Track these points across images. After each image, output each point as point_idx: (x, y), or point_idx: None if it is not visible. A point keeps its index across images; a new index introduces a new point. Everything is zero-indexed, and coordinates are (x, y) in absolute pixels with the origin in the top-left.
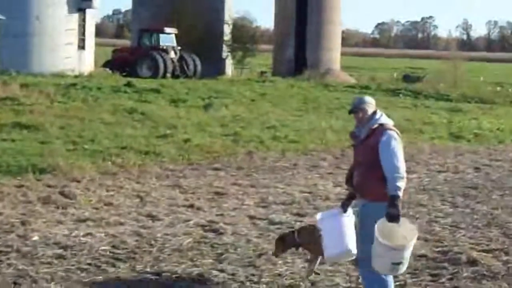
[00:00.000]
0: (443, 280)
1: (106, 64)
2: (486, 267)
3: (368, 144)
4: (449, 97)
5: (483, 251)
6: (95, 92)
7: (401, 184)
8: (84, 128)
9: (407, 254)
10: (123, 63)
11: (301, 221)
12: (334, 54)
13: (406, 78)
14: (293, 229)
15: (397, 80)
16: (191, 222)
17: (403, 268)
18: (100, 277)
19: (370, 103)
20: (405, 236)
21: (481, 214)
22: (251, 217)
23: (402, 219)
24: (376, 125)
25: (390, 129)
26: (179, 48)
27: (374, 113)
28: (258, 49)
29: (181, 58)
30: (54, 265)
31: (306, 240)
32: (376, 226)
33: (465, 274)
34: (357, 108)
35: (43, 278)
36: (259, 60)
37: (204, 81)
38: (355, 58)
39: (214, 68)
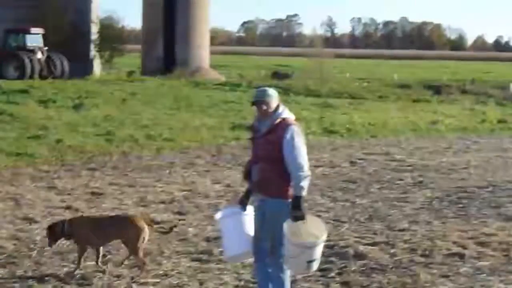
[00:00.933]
0: (333, 274)
1: None
2: (374, 260)
3: (269, 138)
4: (318, 93)
5: (369, 244)
6: None
7: (306, 183)
8: None
9: (320, 250)
10: None
11: (183, 220)
12: (203, 52)
13: (276, 75)
14: (64, 219)
15: (265, 77)
16: None
17: (316, 265)
18: None
19: (274, 96)
20: (315, 234)
21: (362, 207)
22: None
23: (308, 217)
24: (279, 120)
25: (293, 124)
26: (46, 48)
27: (277, 106)
28: (126, 49)
29: (48, 59)
30: None
31: (75, 231)
32: (285, 228)
33: (353, 268)
34: (261, 100)
35: None
36: (128, 60)
37: (72, 81)
38: (223, 56)
39: (82, 68)
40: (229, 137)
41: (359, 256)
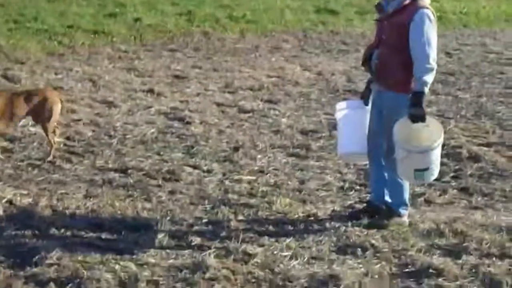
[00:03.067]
0: (448, 178)
1: None
2: (491, 164)
3: (396, 21)
4: None
5: (483, 145)
6: None
7: (430, 77)
8: (26, 5)
9: (434, 157)
10: None
11: (274, 109)
12: None
13: None
14: None
15: None
16: (153, 109)
17: (431, 175)
18: (55, 175)
19: None
20: (429, 137)
21: (466, 102)
22: (219, 104)
23: (428, 118)
24: (409, 0)
25: (425, 7)
26: None
27: None
28: None
29: None
30: (0, 161)
31: None
32: (394, 126)
33: (470, 172)
34: None
35: None
36: None
37: None
38: None
39: None
40: (315, 20)
41: (473, 158)
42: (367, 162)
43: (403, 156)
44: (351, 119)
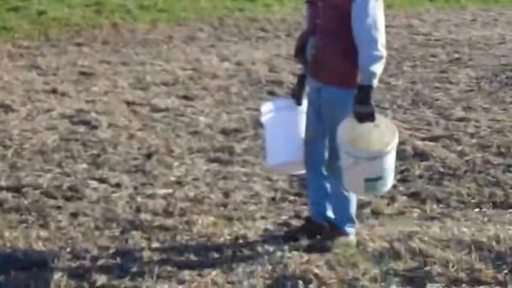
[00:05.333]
0: (394, 182)
1: None
2: (440, 161)
3: (333, 1)
4: None
5: (428, 139)
6: None
7: (378, 67)
8: None
9: (388, 164)
10: None
11: (191, 106)
12: None
13: None
14: None
15: None
16: (55, 112)
17: (384, 186)
18: None
19: None
20: (380, 139)
21: (401, 90)
22: (129, 103)
23: (377, 117)
24: None
25: None
26: None
27: None
28: None
29: None
30: None
31: None
32: (338, 128)
33: (418, 172)
34: None
35: None
36: None
37: None
38: None
39: None
40: (231, 7)
41: (420, 155)
42: (304, 172)
43: (350, 164)
44: (281, 123)
